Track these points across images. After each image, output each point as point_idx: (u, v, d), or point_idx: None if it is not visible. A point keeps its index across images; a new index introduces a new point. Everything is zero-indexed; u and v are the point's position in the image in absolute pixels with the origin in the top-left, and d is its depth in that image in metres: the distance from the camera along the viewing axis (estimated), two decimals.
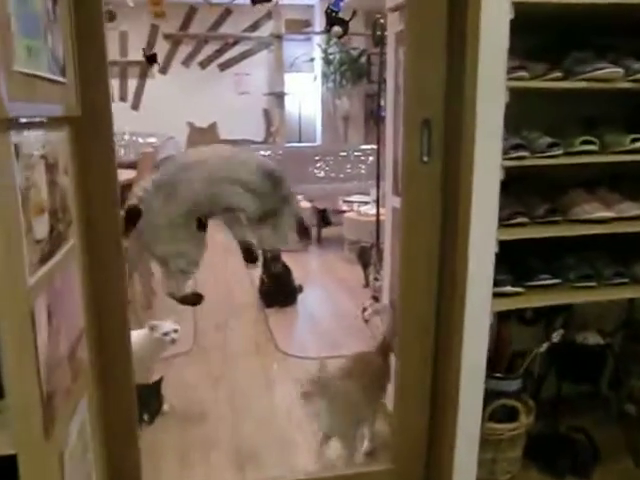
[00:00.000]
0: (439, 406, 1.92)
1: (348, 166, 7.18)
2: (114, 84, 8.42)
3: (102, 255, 1.65)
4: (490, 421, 1.93)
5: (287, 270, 3.83)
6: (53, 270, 1.24)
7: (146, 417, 1.90)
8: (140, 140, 8.05)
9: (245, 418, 2.52)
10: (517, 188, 1.81)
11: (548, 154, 1.73)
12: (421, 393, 1.93)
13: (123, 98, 8.44)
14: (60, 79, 1.32)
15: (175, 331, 2.46)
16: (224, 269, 4.82)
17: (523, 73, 1.65)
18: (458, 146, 1.65)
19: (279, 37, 7.54)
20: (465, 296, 1.74)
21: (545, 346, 1.95)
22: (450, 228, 1.76)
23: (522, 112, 1.65)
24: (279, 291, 3.72)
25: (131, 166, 4.26)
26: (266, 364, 3.03)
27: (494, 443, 1.95)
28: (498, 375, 1.97)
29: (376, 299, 3.33)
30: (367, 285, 4.16)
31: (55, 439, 1.18)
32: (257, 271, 3.93)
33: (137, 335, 2.45)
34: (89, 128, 1.58)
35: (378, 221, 3.58)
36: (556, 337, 1.92)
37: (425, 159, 1.72)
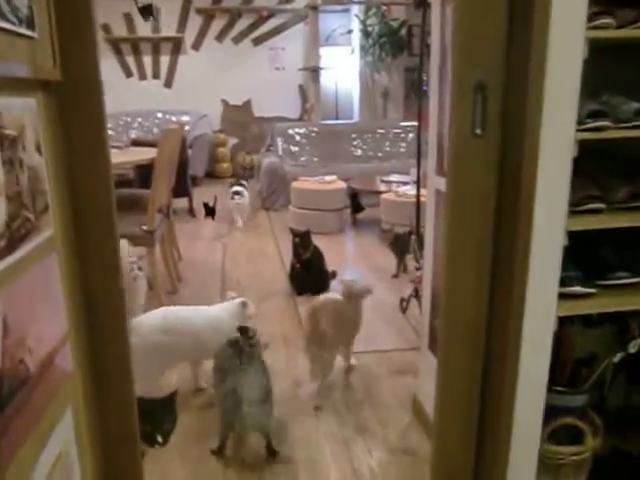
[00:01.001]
0: (489, 425, 1.63)
1: (387, 144, 6.85)
2: (146, 61, 8.26)
3: (92, 247, 1.40)
4: (550, 442, 1.64)
5: (319, 255, 3.56)
6: (15, 268, 1.00)
7: (159, 438, 1.66)
8: (173, 119, 7.85)
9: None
10: (590, 166, 1.48)
11: (635, 124, 1.40)
12: (467, 410, 1.64)
13: (156, 75, 8.28)
14: (23, 31, 1.06)
15: None
16: (257, 252, 4.59)
17: (608, 20, 1.32)
18: (520, 115, 1.34)
19: (315, 8, 7.19)
20: (525, 297, 1.44)
21: (619, 356, 1.64)
22: (508, 215, 1.46)
23: (603, 71, 1.32)
24: (310, 278, 3.45)
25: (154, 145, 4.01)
26: (292, 357, 2.78)
27: (554, 468, 1.65)
28: (560, 389, 1.66)
29: (417, 292, 3.03)
30: (397, 275, 3.87)
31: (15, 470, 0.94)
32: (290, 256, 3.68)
33: (225, 309, 2.44)
34: (73, 97, 1.31)
35: (419, 204, 3.26)
36: (634, 347, 1.61)
37: (478, 131, 1.41)
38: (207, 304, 2.54)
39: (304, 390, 2.49)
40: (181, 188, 5.95)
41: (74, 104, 1.32)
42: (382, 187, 5.22)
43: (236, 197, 5.38)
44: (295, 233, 3.55)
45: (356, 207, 5.29)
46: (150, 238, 3.06)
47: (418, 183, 3.26)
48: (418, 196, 3.25)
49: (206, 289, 3.71)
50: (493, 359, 1.60)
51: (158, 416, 1.69)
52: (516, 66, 1.34)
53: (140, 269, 2.97)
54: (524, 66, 1.29)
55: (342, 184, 5.28)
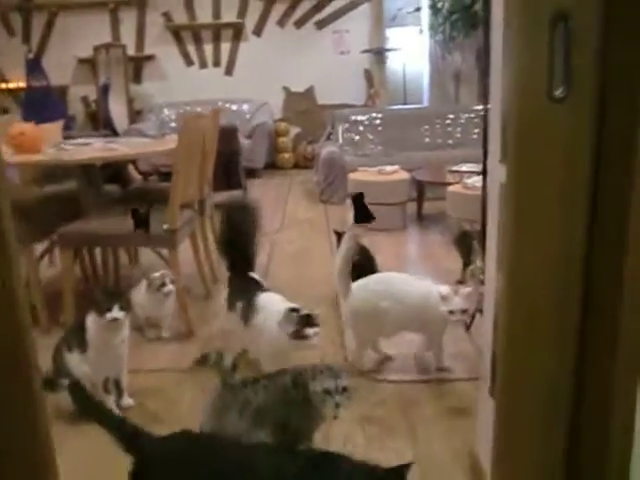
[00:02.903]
0: None
1: (458, 130, 6.23)
2: (207, 49, 7.97)
3: None
4: None
5: (369, 258, 3.08)
6: None
7: None
8: (233, 107, 7.54)
9: None
10: None
11: None
12: None
13: (217, 63, 7.99)
14: None
15: None
16: (307, 252, 4.16)
17: None
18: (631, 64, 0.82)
19: None
20: None
21: None
22: (608, 224, 0.94)
23: None
24: None
25: None
26: None
27: None
28: None
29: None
30: (462, 281, 3.29)
31: None
32: None
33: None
34: None
35: (485, 197, 2.70)
36: None
37: (558, 93, 0.90)
38: None
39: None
40: (233, 180, 5.62)
41: None
42: (450, 178, 4.65)
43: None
44: (339, 234, 3.09)
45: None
46: (172, 238, 2.68)
47: (484, 173, 2.70)
48: (484, 188, 2.69)
49: None
50: (585, 432, 1.08)
51: None
52: None
53: (173, 282, 2.64)
54: None
55: (405, 175, 4.75)
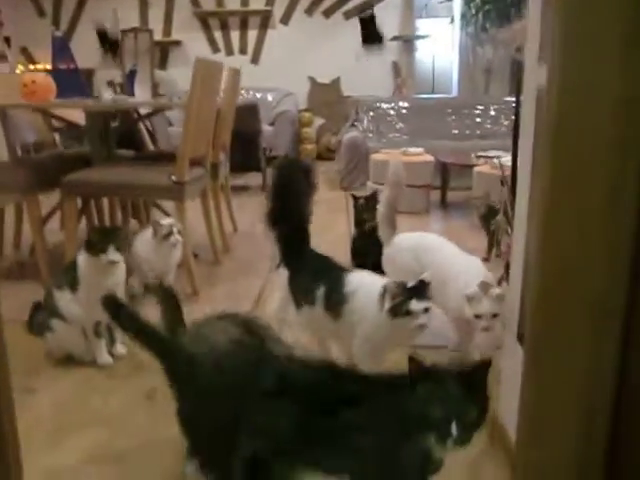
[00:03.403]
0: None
1: (488, 121, 6.03)
2: (234, 36, 7.89)
3: None
4: None
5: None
6: None
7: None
8: (258, 95, 7.43)
9: None
10: None
11: None
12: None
13: (243, 51, 7.90)
14: None
15: None
16: (324, 228, 3.99)
17: None
18: None
19: None
20: None
21: None
22: None
23: None
24: (374, 250, 2.77)
25: None
26: None
27: None
28: None
29: (507, 269, 2.29)
30: (488, 258, 3.12)
31: None
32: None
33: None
34: None
35: (515, 175, 2.51)
36: None
37: None
38: (251, 280, 2.38)
39: None
40: (253, 162, 5.49)
41: None
42: (476, 162, 4.45)
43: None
44: (357, 197, 2.92)
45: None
46: (179, 190, 2.54)
47: (515, 148, 2.50)
48: (514, 163, 2.50)
49: (255, 264, 3.15)
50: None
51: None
52: None
53: (180, 233, 2.49)
54: None
55: (429, 157, 4.57)
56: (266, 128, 6.65)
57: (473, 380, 0.96)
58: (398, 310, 1.56)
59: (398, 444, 0.98)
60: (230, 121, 3.47)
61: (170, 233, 2.44)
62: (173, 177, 2.54)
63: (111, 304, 1.39)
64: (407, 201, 4.18)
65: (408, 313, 1.55)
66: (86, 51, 7.65)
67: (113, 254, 1.91)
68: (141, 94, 5.86)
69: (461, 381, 0.96)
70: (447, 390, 0.95)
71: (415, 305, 1.55)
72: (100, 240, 1.92)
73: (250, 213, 4.45)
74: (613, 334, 0.87)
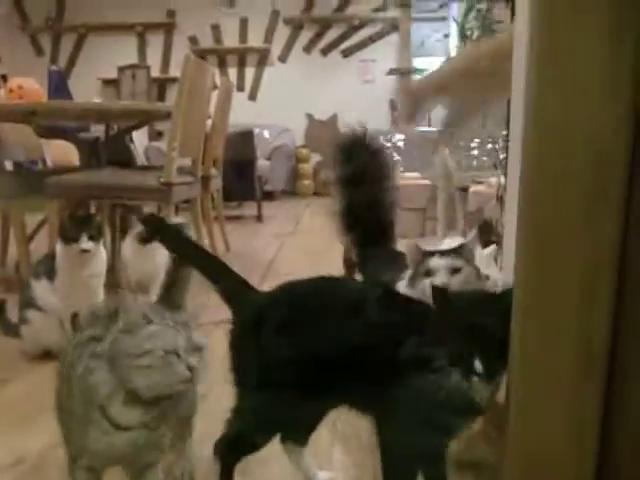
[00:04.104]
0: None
1: (484, 155, 6.02)
2: (231, 73, 7.97)
3: None
4: None
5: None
6: None
7: None
8: (255, 131, 7.43)
9: None
10: None
11: None
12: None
13: (241, 88, 7.96)
14: None
15: None
16: (319, 250, 3.89)
17: None
18: None
19: (407, 6, 6.57)
20: None
21: None
22: None
23: None
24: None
25: None
26: None
27: None
28: None
29: None
30: None
31: None
32: None
33: None
34: None
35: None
36: None
37: None
38: None
39: None
40: (248, 190, 5.42)
41: None
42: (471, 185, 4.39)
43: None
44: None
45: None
46: (167, 192, 2.44)
47: (506, 161, 2.41)
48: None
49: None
50: None
51: None
52: None
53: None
54: None
55: (425, 181, 4.52)
56: (263, 162, 6.63)
57: (498, 308, 0.84)
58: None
59: (422, 381, 0.86)
60: (222, 134, 3.41)
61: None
62: (161, 178, 2.45)
63: (151, 220, 1.24)
64: (402, 224, 4.09)
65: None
66: (83, 88, 7.70)
67: (86, 243, 1.80)
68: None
69: (485, 309, 0.86)
70: (469, 320, 0.84)
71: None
72: (73, 228, 1.81)
73: (244, 235, 4.35)
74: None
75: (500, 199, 2.65)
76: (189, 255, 1.13)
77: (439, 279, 1.25)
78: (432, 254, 1.30)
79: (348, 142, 1.58)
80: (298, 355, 0.96)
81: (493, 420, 1.20)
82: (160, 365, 0.89)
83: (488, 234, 2.99)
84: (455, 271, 1.27)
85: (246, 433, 1.04)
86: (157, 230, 1.17)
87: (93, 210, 2.91)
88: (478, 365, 0.82)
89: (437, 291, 0.91)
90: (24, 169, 3.95)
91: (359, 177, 1.51)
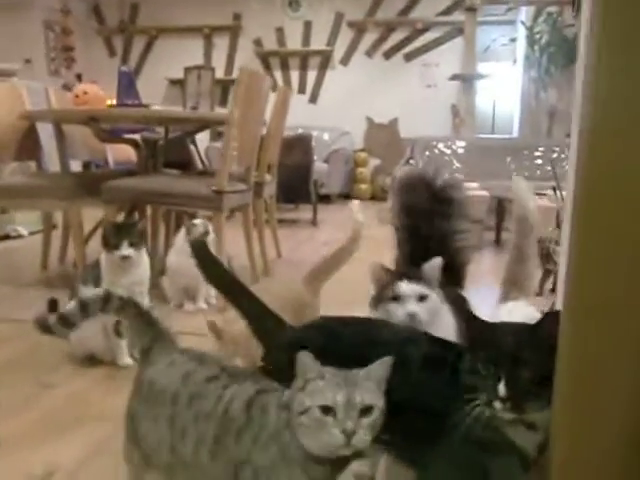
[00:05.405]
0: None
1: (548, 164, 5.80)
2: (293, 76, 8.01)
3: None
4: None
5: None
6: None
7: None
8: (314, 134, 7.45)
9: None
10: None
11: None
12: None
13: (302, 90, 7.99)
14: None
15: None
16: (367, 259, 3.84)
17: None
18: None
19: (472, 10, 6.42)
20: None
21: None
22: None
23: None
24: None
25: None
26: None
27: None
28: None
29: None
30: (540, 293, 2.91)
31: None
32: None
33: None
34: None
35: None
36: None
37: None
38: None
39: None
40: (303, 193, 5.43)
41: None
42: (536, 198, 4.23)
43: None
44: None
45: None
46: (218, 200, 2.46)
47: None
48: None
49: None
50: None
51: None
52: None
53: (208, 233, 2.40)
54: None
55: (484, 192, 4.38)
56: (320, 165, 6.63)
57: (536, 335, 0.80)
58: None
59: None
60: (278, 141, 3.41)
61: (207, 232, 2.34)
62: (213, 187, 2.47)
63: (199, 249, 1.19)
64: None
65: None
66: (151, 88, 7.93)
67: (126, 249, 1.83)
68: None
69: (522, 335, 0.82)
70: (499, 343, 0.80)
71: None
72: (114, 235, 1.85)
73: (297, 242, 4.35)
74: None
75: (558, 225, 2.53)
76: (228, 291, 1.14)
77: (409, 306, 1.23)
78: (400, 277, 1.27)
79: (407, 181, 1.56)
80: None
81: None
82: (314, 426, 0.80)
83: (547, 262, 2.90)
84: (422, 298, 1.24)
85: None
86: (202, 263, 1.17)
87: (149, 214, 2.98)
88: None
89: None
90: (90, 169, 4.11)
91: (420, 220, 1.48)
